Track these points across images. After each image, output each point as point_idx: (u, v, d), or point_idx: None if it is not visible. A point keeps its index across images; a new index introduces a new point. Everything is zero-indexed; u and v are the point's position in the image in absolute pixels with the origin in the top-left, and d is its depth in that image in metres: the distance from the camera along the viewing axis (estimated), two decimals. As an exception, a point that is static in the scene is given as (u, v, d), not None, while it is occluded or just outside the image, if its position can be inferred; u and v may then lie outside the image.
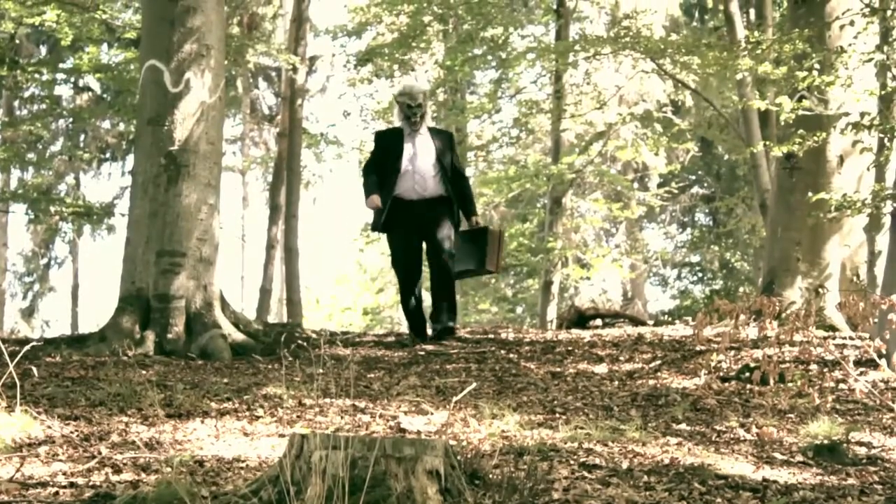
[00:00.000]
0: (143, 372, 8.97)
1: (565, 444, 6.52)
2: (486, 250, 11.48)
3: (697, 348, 10.69)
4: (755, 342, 10.33)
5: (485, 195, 29.32)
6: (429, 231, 11.34)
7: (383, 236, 12.35)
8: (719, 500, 5.51)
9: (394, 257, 11.62)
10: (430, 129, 11.63)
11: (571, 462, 6.06)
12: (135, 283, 11.06)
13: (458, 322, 12.53)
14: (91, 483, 5.45)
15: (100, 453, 6.04)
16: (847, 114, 11.49)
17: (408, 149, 11.33)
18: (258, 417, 7.24)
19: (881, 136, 11.25)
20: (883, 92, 11.47)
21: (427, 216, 11.32)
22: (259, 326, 12.06)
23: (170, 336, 10.75)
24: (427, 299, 13.61)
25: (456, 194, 11.45)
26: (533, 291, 34.06)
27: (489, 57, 25.93)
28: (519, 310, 37.37)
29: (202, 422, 7.08)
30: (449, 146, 11.67)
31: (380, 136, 11.99)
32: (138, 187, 11.34)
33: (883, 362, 9.12)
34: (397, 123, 11.65)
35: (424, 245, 11.48)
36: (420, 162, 11.34)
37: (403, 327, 10.92)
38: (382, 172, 11.33)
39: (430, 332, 11.72)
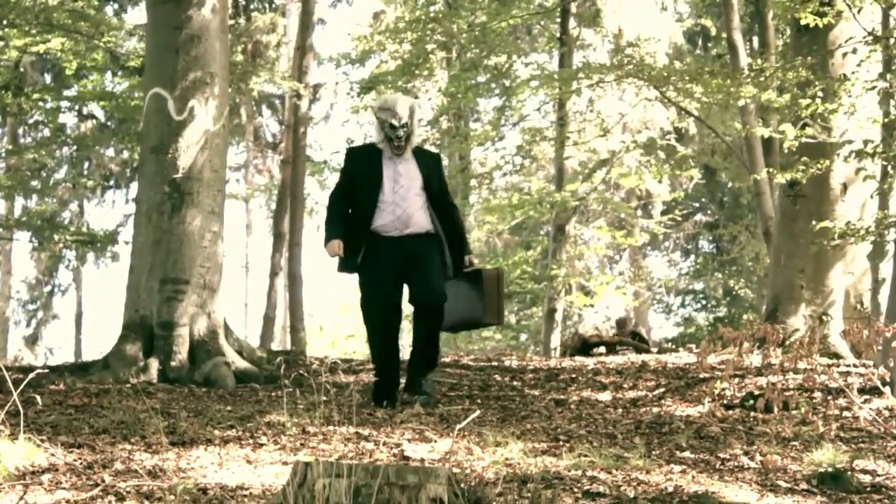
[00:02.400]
0: (147, 399, 8.95)
1: (569, 471, 6.50)
2: (483, 297, 9.51)
3: (701, 376, 10.68)
4: (759, 370, 10.32)
5: (488, 223, 29.35)
6: (414, 273, 9.13)
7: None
8: (723, 528, 5.50)
9: (368, 303, 9.21)
10: (416, 151, 9.39)
11: (575, 490, 6.04)
12: (138, 310, 11.06)
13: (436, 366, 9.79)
14: (94, 511, 5.44)
15: (103, 481, 6.03)
16: (850, 141, 11.51)
17: (388, 174, 9.17)
18: (262, 445, 7.23)
19: (884, 163, 11.28)
20: (886, 119, 11.50)
21: (412, 255, 9.11)
22: (262, 354, 12.07)
23: (173, 364, 10.74)
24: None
25: (446, 230, 9.31)
26: (536, 319, 34.07)
27: (493, 84, 26.01)
28: (523, 337, 37.39)
29: (206, 449, 7.07)
30: (437, 171, 9.53)
31: (353, 156, 9.62)
32: (142, 215, 11.35)
33: (887, 390, 9.10)
34: (376, 140, 9.33)
35: (406, 290, 9.31)
36: (404, 191, 9.16)
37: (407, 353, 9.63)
38: (355, 202, 9.24)
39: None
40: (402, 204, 9.12)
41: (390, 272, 9.08)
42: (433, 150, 12.79)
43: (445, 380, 10.88)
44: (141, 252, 11.25)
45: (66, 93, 24.18)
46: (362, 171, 9.27)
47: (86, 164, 32.45)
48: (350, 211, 9.27)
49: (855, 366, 10.94)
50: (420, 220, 9.19)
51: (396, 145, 9.14)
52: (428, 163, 9.42)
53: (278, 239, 25.69)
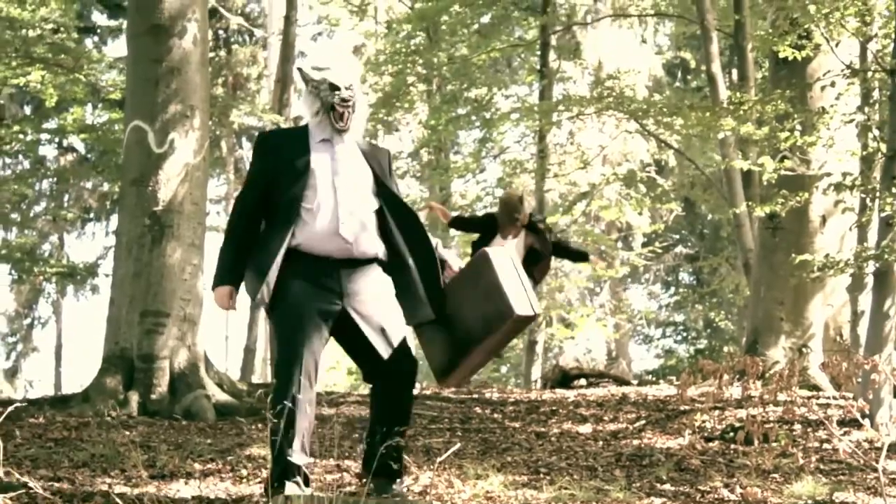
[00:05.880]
0: (127, 433, 8.93)
1: (550, 504, 6.50)
2: (502, 286, 6.07)
3: (681, 408, 10.69)
4: (739, 402, 10.32)
5: (469, 255, 29.31)
6: (362, 318, 6.09)
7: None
8: (704, 560, 5.50)
9: (287, 348, 6.05)
10: (360, 142, 6.43)
11: (556, 523, 6.04)
12: (119, 343, 11.04)
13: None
14: (74, 545, 5.42)
15: (82, 515, 6.01)
16: (829, 174, 11.56)
17: (321, 163, 6.13)
18: (242, 478, 7.21)
19: (863, 196, 11.30)
20: (864, 152, 11.54)
21: (357, 291, 6.10)
22: (243, 387, 12.05)
23: (154, 396, 10.72)
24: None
25: (416, 252, 6.21)
26: (517, 351, 34.01)
27: (473, 117, 26.03)
28: (503, 369, 37.32)
29: (186, 483, 7.05)
30: (389, 171, 6.40)
31: (266, 143, 6.38)
32: (122, 247, 11.33)
33: (866, 422, 9.13)
34: (307, 115, 6.30)
35: (353, 342, 6.18)
36: (347, 190, 6.15)
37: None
38: (271, 212, 6.16)
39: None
40: (347, 204, 6.12)
41: (325, 314, 6.05)
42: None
43: (426, 412, 10.87)
44: (121, 285, 11.23)
45: (47, 125, 24.16)
46: (282, 161, 6.18)
47: (66, 197, 32.35)
48: (263, 227, 6.24)
49: (835, 398, 10.95)
50: (368, 239, 6.17)
51: (340, 113, 6.18)
52: (380, 159, 6.44)
53: (259, 271, 25.60)
